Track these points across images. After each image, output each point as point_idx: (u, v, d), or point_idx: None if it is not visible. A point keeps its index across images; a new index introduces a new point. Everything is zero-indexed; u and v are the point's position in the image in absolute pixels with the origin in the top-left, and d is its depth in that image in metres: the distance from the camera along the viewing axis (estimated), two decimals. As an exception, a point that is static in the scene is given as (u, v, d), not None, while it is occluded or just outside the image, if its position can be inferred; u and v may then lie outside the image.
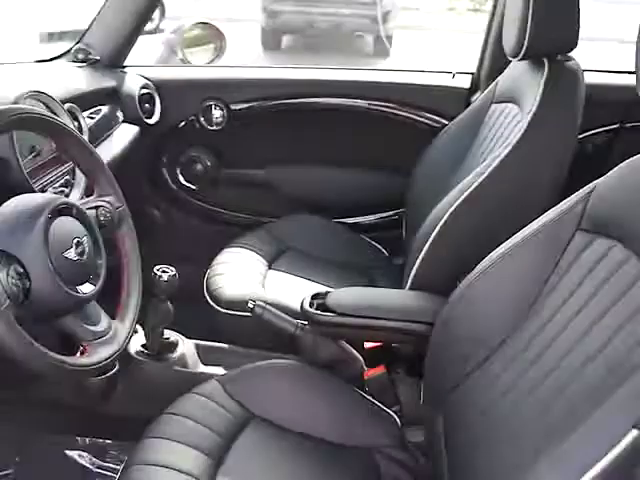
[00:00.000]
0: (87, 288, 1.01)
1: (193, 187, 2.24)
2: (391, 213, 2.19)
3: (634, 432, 0.66)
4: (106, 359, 1.03)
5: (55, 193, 1.28)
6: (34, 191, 1.22)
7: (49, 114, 1.11)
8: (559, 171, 1.42)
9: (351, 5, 8.07)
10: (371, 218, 2.22)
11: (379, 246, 2.07)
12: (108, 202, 1.14)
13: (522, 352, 1.01)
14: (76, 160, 1.15)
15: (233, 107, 2.13)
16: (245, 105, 2.14)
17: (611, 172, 1.01)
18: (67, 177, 1.39)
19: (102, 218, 1.12)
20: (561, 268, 1.01)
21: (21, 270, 0.91)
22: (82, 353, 1.02)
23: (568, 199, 1.06)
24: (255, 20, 8.75)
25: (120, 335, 1.08)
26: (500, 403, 1.00)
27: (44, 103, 1.39)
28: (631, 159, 0.98)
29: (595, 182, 1.03)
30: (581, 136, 1.83)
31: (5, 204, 0.97)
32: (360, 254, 2.00)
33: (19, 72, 1.70)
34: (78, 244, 1.00)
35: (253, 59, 7.74)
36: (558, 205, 1.08)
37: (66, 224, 1.00)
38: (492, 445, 0.96)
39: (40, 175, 1.33)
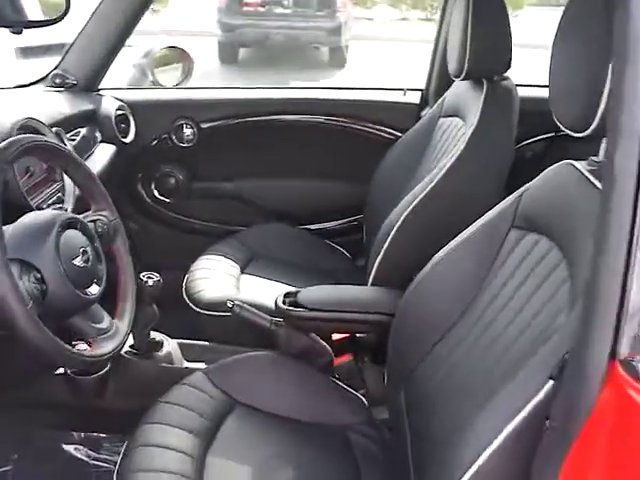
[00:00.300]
0: (93, 290, 1.15)
1: (167, 200, 2.33)
2: (352, 219, 2.31)
3: (550, 382, 0.81)
4: (110, 352, 1.17)
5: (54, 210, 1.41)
6: (32, 208, 1.35)
7: (53, 141, 1.25)
8: (500, 176, 1.56)
9: (306, 18, 8.11)
10: (333, 224, 2.34)
11: (342, 250, 2.19)
12: (104, 216, 1.28)
13: (468, 332, 1.15)
14: (75, 180, 1.29)
15: (203, 125, 2.24)
16: (214, 123, 2.25)
17: (540, 175, 1.14)
18: (59, 194, 1.52)
19: (99, 230, 1.26)
20: (499, 261, 1.16)
21: (38, 276, 1.05)
22: (89, 346, 1.16)
23: (505, 200, 1.20)
24: (212, 34, 8.72)
25: (120, 332, 1.22)
26: (451, 374, 1.14)
27: (35, 128, 1.51)
28: (556, 164, 1.11)
29: (527, 185, 1.17)
30: (521, 144, 2.02)
31: (19, 221, 1.11)
32: (325, 258, 2.12)
33: (4, 98, 1.80)
34: (84, 252, 1.14)
35: (210, 72, 7.72)
36: (496, 206, 1.21)
37: (73, 236, 1.14)
38: (444, 408, 1.11)
39: (35, 194, 1.45)
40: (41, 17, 1.56)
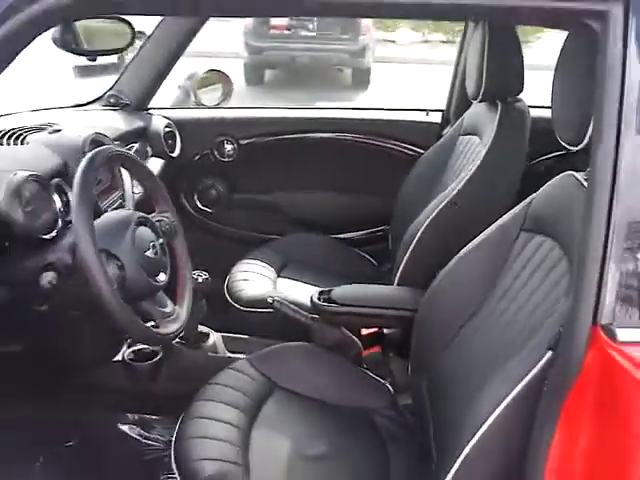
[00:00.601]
0: (161, 278, 1.35)
1: (209, 210, 2.53)
2: (378, 229, 2.47)
3: (549, 353, 0.97)
4: (174, 332, 1.36)
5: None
6: (101, 211, 1.55)
7: (129, 152, 1.45)
8: (512, 186, 1.71)
9: (330, 41, 8.15)
10: (361, 233, 2.50)
11: (369, 257, 2.36)
12: (166, 217, 1.48)
13: (483, 323, 1.31)
14: (145, 185, 1.49)
15: (242, 142, 2.44)
16: (252, 140, 2.44)
17: (546, 185, 1.29)
18: (120, 200, 1.72)
19: (163, 228, 1.45)
20: (510, 259, 1.31)
21: (119, 264, 1.25)
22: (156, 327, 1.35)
23: (516, 207, 1.35)
24: (236, 56, 8.74)
25: (181, 316, 1.41)
26: (467, 361, 1.29)
27: (102, 142, 1.71)
28: (560, 175, 1.25)
29: (535, 193, 1.31)
30: (535, 161, 2.18)
31: (101, 218, 1.31)
32: (353, 264, 2.29)
33: (71, 116, 2.02)
34: (153, 246, 1.34)
35: (237, 93, 7.86)
36: (509, 212, 1.36)
37: (144, 232, 1.34)
38: (461, 391, 1.24)
39: (102, 199, 1.66)
40: (111, 46, 1.76)
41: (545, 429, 0.95)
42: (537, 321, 1.12)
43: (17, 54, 0.92)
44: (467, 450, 1.03)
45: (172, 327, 1.36)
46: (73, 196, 1.18)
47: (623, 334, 0.85)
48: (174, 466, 1.33)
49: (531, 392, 0.99)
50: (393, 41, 11.64)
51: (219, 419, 1.41)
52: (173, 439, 1.39)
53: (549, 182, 1.28)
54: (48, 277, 1.22)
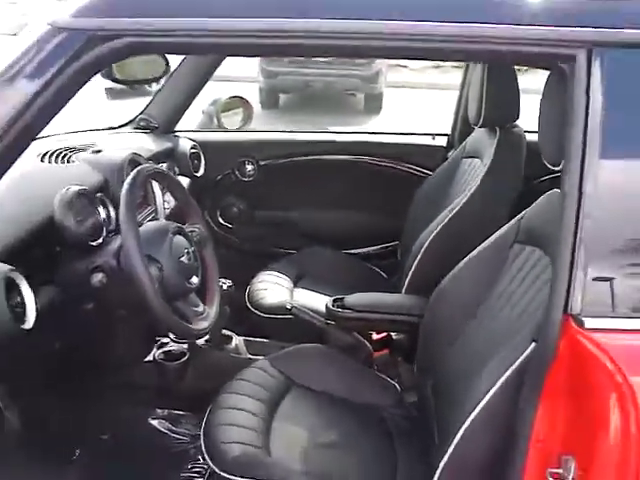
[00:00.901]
0: (194, 280, 1.52)
1: (230, 226, 2.70)
2: (387, 245, 2.62)
3: (533, 344, 1.11)
4: (205, 328, 1.53)
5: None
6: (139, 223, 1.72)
7: (164, 170, 1.64)
8: (509, 204, 1.86)
9: (344, 66, 8.21)
10: (371, 249, 2.66)
11: (379, 270, 2.50)
12: (198, 228, 1.66)
13: (480, 325, 1.45)
14: (179, 200, 1.67)
15: (261, 162, 2.61)
16: (271, 161, 2.62)
17: (537, 200, 1.42)
18: (153, 214, 1.89)
19: (194, 238, 1.62)
20: (505, 267, 1.45)
21: (159, 266, 1.42)
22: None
23: (512, 221, 1.48)
24: (251, 80, 8.82)
25: (210, 315, 1.58)
26: (467, 360, 1.42)
27: (138, 162, 1.89)
28: (548, 192, 1.38)
29: (527, 209, 1.45)
30: (534, 181, 2.33)
31: (142, 227, 1.48)
32: (363, 277, 2.43)
33: (107, 138, 2.18)
34: (187, 253, 1.51)
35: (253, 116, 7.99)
36: (504, 226, 1.50)
37: (180, 240, 1.51)
38: (460, 385, 1.37)
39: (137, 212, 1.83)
40: (141, 73, 1.96)
41: (528, 408, 1.09)
42: (526, 317, 1.27)
43: (74, 95, 1.09)
44: (464, 427, 1.18)
45: (203, 324, 1.53)
46: (121, 208, 1.36)
47: (590, 322, 1.00)
48: (203, 449, 1.48)
49: (519, 376, 1.13)
50: (405, 66, 11.79)
51: (244, 409, 1.57)
52: (202, 425, 1.54)
53: (539, 198, 1.43)
54: (99, 277, 1.40)
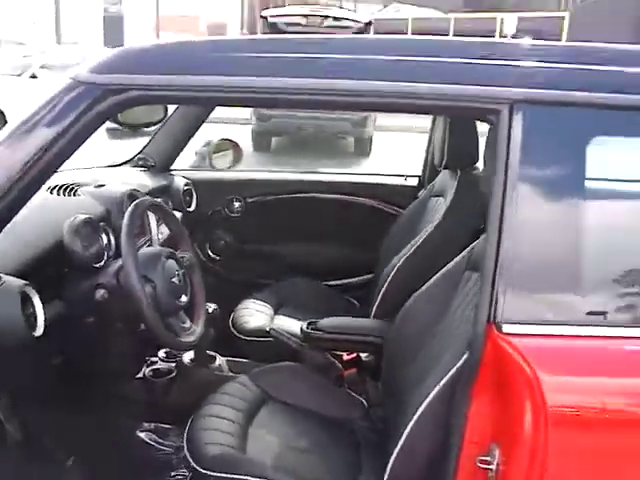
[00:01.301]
0: (183, 299, 1.72)
1: (218, 258, 2.89)
2: (362, 278, 2.81)
3: (467, 353, 1.28)
4: (192, 342, 1.72)
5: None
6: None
7: (161, 202, 1.85)
8: (468, 236, 1.94)
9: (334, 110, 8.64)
10: (347, 281, 2.84)
11: (354, 300, 2.69)
12: (187, 254, 1.86)
13: (433, 343, 1.64)
14: (172, 229, 1.89)
15: (249, 200, 2.82)
16: (257, 198, 2.83)
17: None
18: (148, 242, 2.09)
19: (184, 263, 1.82)
20: (457, 292, 1.63)
21: (153, 285, 1.62)
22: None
23: (464, 251, 1.67)
24: (243, 122, 9.14)
25: (197, 331, 1.77)
26: (418, 372, 1.59)
27: (137, 196, 2.10)
28: None
29: (478, 240, 1.64)
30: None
31: (139, 252, 1.68)
32: (339, 307, 2.59)
33: (108, 174, 2.39)
34: (178, 275, 1.72)
35: (245, 159, 8.10)
36: (458, 256, 1.69)
37: (171, 263, 1.72)
38: (412, 388, 1.54)
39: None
40: (141, 116, 2.19)
41: (463, 405, 1.27)
42: (465, 330, 1.44)
43: (87, 139, 1.30)
44: (411, 425, 1.37)
45: (190, 338, 1.73)
46: (122, 234, 1.58)
47: (507, 328, 1.20)
48: (186, 451, 1.65)
49: (455, 381, 1.31)
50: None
51: (224, 417, 1.74)
52: (186, 430, 1.72)
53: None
54: (101, 292, 1.61)
